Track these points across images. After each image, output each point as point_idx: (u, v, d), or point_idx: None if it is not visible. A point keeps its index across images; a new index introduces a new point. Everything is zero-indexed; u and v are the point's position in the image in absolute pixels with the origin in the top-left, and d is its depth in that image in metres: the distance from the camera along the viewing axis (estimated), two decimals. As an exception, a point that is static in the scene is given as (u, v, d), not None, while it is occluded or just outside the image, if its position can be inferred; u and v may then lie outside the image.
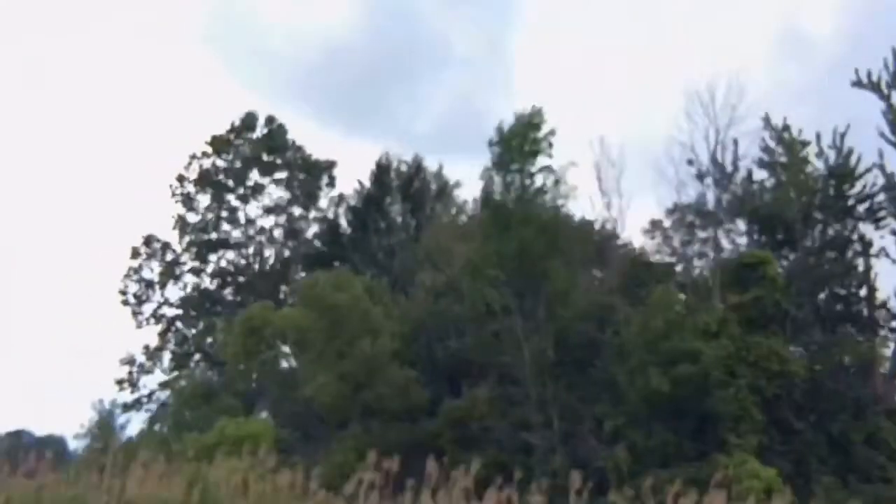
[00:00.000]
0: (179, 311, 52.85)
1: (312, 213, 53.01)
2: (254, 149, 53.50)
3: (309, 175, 53.40)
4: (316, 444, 30.35)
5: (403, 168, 49.85)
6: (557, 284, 28.52)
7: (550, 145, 29.16)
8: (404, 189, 49.21)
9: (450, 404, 31.91)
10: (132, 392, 51.25)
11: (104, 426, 34.63)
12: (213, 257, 53.26)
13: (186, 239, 53.60)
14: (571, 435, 26.77)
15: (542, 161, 29.32)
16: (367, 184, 49.97)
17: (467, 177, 68.26)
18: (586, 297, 29.35)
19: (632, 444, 24.65)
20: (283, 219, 53.10)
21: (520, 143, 29.02)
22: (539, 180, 29.47)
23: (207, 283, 53.25)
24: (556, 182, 29.19)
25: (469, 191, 50.98)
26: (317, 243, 51.68)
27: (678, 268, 32.98)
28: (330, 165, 54.15)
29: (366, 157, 69.90)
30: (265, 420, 25.46)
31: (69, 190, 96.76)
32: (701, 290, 28.61)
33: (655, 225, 34.16)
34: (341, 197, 52.77)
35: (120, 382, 51.33)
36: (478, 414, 31.01)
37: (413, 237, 46.67)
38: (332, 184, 54.17)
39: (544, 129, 29.20)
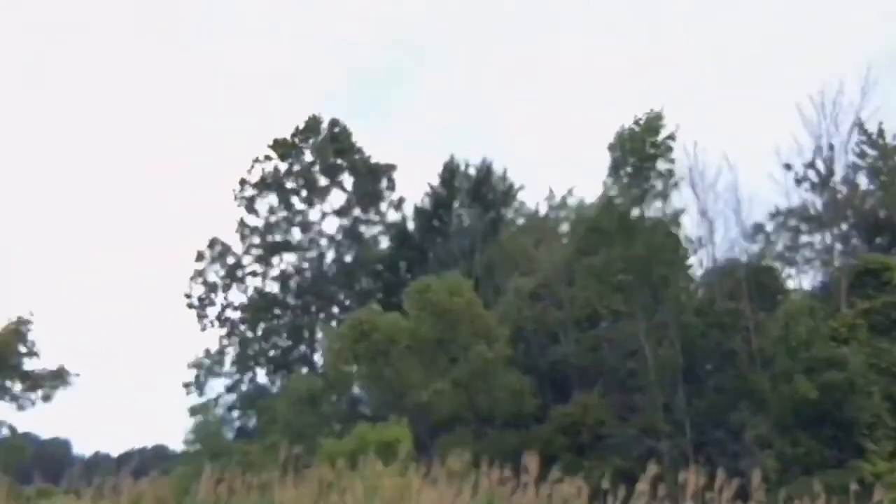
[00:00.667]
0: (242, 314, 52.35)
1: (375, 217, 52.58)
2: (317, 152, 53.01)
3: (371, 178, 52.86)
4: (428, 450, 29.88)
5: (471, 171, 49.64)
6: (679, 290, 28.13)
7: (670, 149, 28.78)
8: (474, 192, 48.83)
9: (559, 410, 31.48)
10: (199, 395, 50.95)
11: (211, 432, 33.99)
12: (275, 260, 52.80)
13: (248, 242, 53.24)
14: (704, 443, 26.38)
15: (661, 165, 28.93)
16: (431, 188, 49.90)
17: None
18: (709, 303, 28.94)
19: (779, 452, 24.26)
20: (346, 222, 52.56)
21: (639, 147, 28.63)
22: (658, 185, 29.06)
23: (269, 285, 52.81)
24: (675, 185, 28.79)
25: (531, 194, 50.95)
26: (383, 246, 51.30)
27: (791, 272, 32.65)
28: (389, 169, 53.66)
29: (421, 161, 69.48)
30: (403, 425, 24.94)
31: (139, 192, 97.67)
32: (832, 296, 28.23)
33: (758, 229, 33.73)
34: (401, 200, 52.44)
35: (187, 385, 50.95)
36: (591, 420, 30.63)
37: (484, 240, 46.35)
38: (391, 187, 53.70)
39: (663, 134, 28.85)
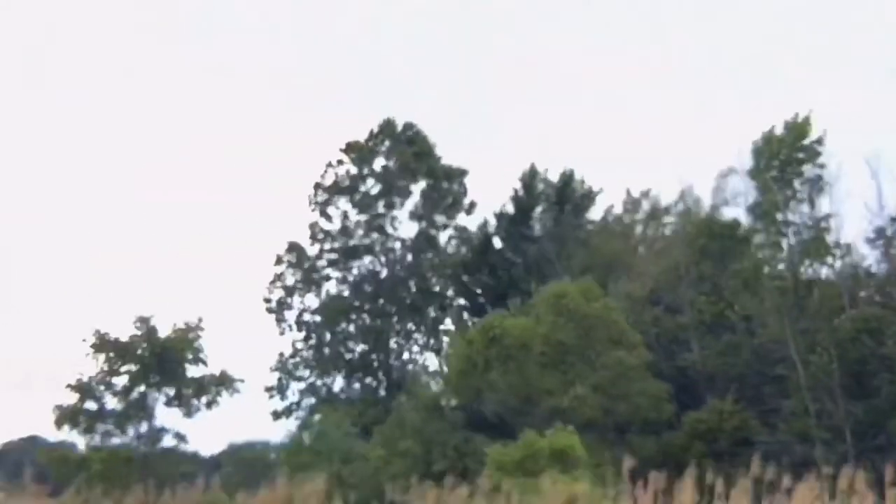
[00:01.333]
0: (318, 318, 51.81)
1: (450, 221, 51.95)
2: (391, 156, 52.52)
3: (445, 182, 52.22)
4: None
5: (552, 177, 49.27)
6: (827, 295, 27.76)
7: (818, 154, 28.41)
8: (557, 197, 48.41)
9: (693, 416, 31.03)
10: (282, 399, 50.45)
11: (336, 435, 33.33)
12: (351, 264, 52.22)
13: (323, 246, 52.74)
14: (865, 450, 25.94)
15: (807, 169, 28.56)
16: (514, 192, 49.46)
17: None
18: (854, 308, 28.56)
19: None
20: (421, 226, 52.00)
21: (787, 151, 28.27)
22: (803, 189, 28.69)
23: (345, 290, 52.23)
24: (821, 190, 28.40)
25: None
26: (463, 251, 50.74)
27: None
28: (462, 173, 53.06)
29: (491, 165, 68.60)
30: (572, 432, 24.42)
31: (218, 195, 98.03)
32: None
33: (879, 233, 33.31)
34: (472, 204, 51.88)
35: (269, 390, 50.42)
36: (728, 426, 30.19)
37: (565, 244, 46.04)
38: (464, 192, 53.05)
39: (811, 137, 28.48)
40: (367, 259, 52.23)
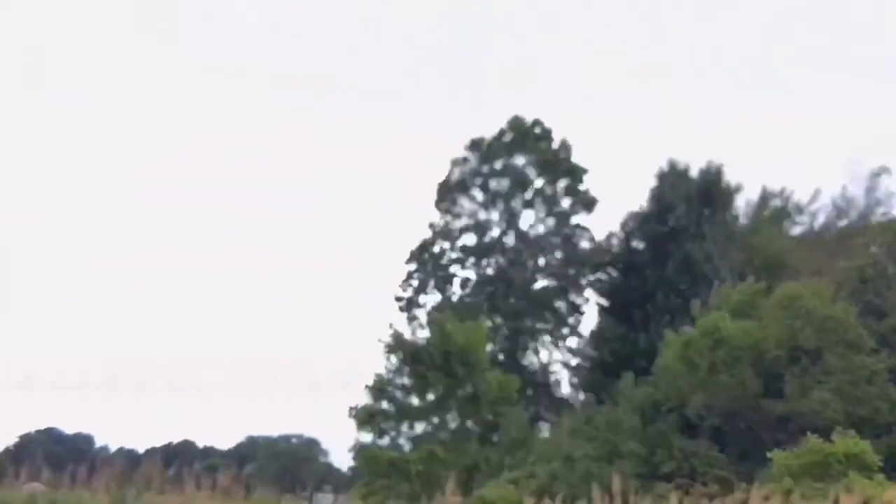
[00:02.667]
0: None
1: (579, 218, 51.08)
2: (519, 153, 51.70)
3: (575, 180, 51.32)
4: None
5: (693, 173, 48.35)
6: None
7: None
8: (702, 194, 47.52)
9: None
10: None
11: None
12: (480, 262, 51.45)
13: (452, 244, 52.02)
14: None
15: None
16: (654, 190, 48.57)
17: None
18: None
19: None
20: (551, 224, 51.20)
21: None
22: None
23: (474, 288, 51.46)
24: None
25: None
26: (595, 249, 49.93)
27: None
28: (587, 170, 52.10)
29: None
30: (856, 437, 23.71)
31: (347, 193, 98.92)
32: None
33: None
34: (592, 201, 50.99)
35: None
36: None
37: (721, 244, 45.22)
38: (590, 189, 52.09)
39: None
40: (496, 257, 51.65)
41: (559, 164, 50.58)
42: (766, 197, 51.16)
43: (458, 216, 52.02)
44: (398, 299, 50.62)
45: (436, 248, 51.82)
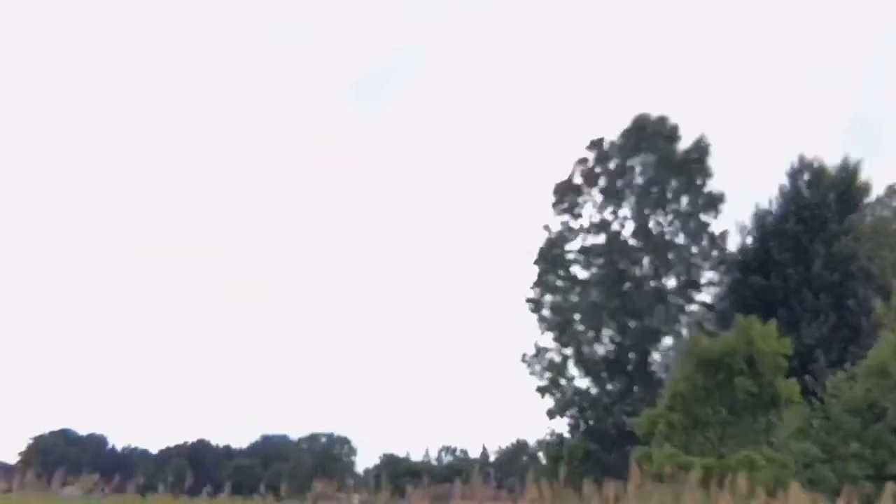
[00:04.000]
0: (577, 316, 50.24)
1: (708, 219, 50.27)
2: (644, 152, 50.89)
3: (693, 178, 50.39)
4: None
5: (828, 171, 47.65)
6: None
7: None
8: (841, 192, 46.86)
9: None
10: (553, 398, 48.90)
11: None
12: (604, 263, 50.61)
13: (572, 245, 51.21)
14: None
15: None
16: (787, 189, 47.89)
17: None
18: None
19: None
20: (677, 224, 50.35)
21: None
22: None
23: (598, 290, 50.59)
24: None
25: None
26: (731, 250, 49.16)
27: None
28: (712, 171, 51.25)
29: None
30: None
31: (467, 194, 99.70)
32: None
33: None
34: (716, 199, 50.25)
35: (542, 390, 48.93)
36: None
37: (867, 244, 44.59)
38: (717, 189, 50.99)
39: None
40: (621, 257, 50.78)
41: (685, 163, 49.75)
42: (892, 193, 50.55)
43: (578, 216, 51.26)
44: (528, 300, 49.83)
45: (558, 249, 51.05)
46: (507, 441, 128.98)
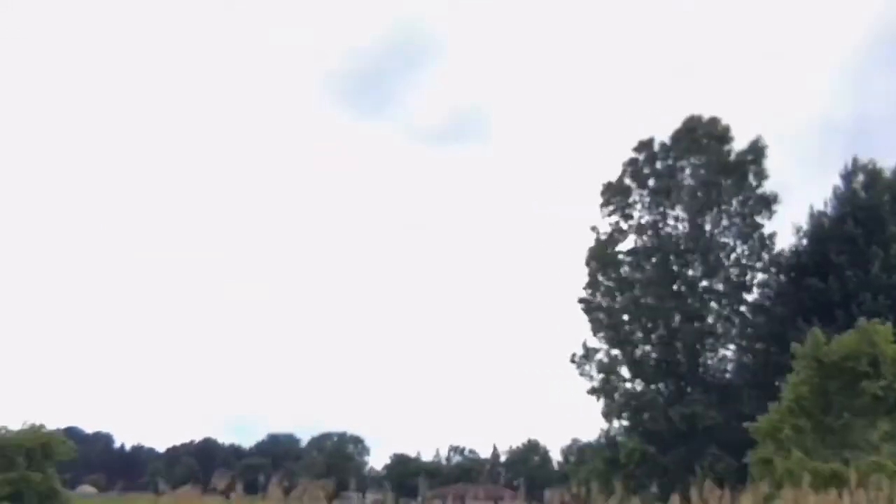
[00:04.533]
0: (626, 318, 49.98)
1: (763, 221, 49.85)
2: (695, 154, 50.61)
3: (756, 179, 50.01)
4: None
5: (884, 173, 47.45)
6: None
7: None
8: (893, 195, 46.65)
9: None
10: (607, 400, 48.69)
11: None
12: (655, 263, 50.25)
13: (622, 247, 50.93)
14: None
15: None
16: (843, 190, 47.74)
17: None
18: None
19: None
20: (732, 224, 50.00)
21: None
22: None
23: (647, 293, 50.21)
24: None
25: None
26: (781, 251, 48.91)
27: None
28: (764, 171, 50.93)
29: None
30: None
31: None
32: None
33: None
34: (768, 200, 49.89)
35: (594, 392, 48.73)
36: None
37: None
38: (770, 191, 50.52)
39: None
40: (673, 258, 50.48)
41: (738, 164, 49.47)
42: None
43: (629, 217, 50.99)
44: (581, 301, 49.55)
45: (608, 250, 50.79)
46: (518, 441, 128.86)
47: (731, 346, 49.09)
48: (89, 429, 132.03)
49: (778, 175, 48.89)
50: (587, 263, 49.68)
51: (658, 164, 50.74)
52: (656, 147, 50.83)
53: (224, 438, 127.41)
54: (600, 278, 49.65)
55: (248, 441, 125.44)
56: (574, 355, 50.31)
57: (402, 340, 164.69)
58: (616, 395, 47.84)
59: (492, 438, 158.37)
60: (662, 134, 51.27)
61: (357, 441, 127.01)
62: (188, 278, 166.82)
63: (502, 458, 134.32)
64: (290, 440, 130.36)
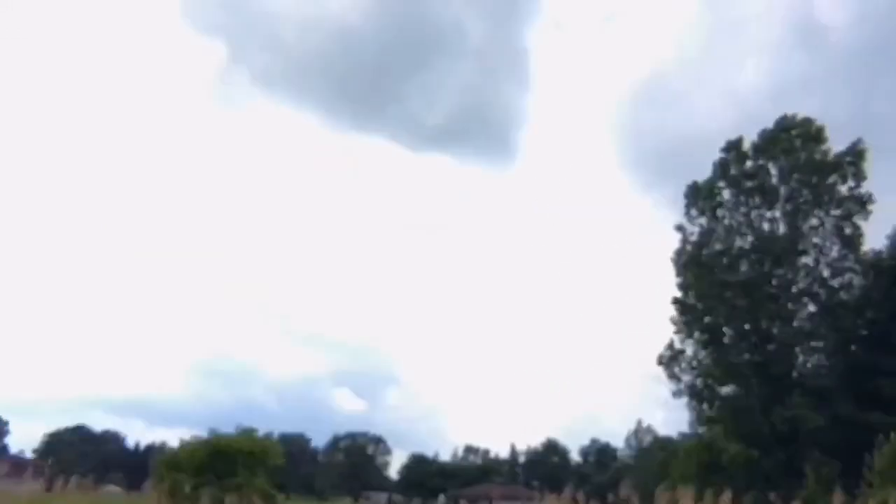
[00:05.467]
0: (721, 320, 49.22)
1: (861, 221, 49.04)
2: (786, 154, 49.97)
3: (854, 180, 49.30)
4: None
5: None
6: None
7: None
8: None
9: None
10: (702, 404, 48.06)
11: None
12: (750, 265, 49.57)
13: (711, 249, 50.27)
14: None
15: None
16: None
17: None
18: None
19: None
20: (826, 225, 49.33)
21: None
22: None
23: (739, 295, 49.46)
24: None
25: None
26: (880, 254, 48.38)
27: None
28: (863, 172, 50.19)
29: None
30: None
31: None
32: None
33: None
34: (858, 200, 49.13)
35: (680, 393, 48.16)
36: None
37: None
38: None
39: None
40: (764, 260, 49.81)
41: (836, 165, 48.89)
42: None
43: (720, 218, 50.34)
44: (675, 301, 48.83)
45: (697, 251, 50.14)
46: (536, 441, 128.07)
47: (824, 349, 48.41)
48: (98, 427, 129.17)
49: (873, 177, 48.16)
50: (676, 264, 48.97)
51: (748, 165, 50.03)
52: (745, 147, 50.14)
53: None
54: (689, 280, 48.87)
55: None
56: (661, 357, 49.65)
57: (419, 341, 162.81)
58: (705, 397, 47.17)
59: (509, 438, 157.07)
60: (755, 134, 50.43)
61: (378, 441, 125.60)
62: (196, 278, 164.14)
63: (521, 459, 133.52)
64: (302, 440, 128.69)
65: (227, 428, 28.67)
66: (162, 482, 21.72)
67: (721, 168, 50.17)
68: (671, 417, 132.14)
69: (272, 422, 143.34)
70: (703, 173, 50.44)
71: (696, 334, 48.50)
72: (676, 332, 49.34)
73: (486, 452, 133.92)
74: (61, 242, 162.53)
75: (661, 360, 49.68)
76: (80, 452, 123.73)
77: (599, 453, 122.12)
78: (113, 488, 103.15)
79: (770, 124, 49.61)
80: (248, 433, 26.49)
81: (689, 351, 49.27)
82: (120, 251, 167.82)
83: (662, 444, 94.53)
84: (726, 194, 50.06)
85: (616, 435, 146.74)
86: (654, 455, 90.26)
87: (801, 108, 62.30)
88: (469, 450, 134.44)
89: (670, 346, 49.58)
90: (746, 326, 48.36)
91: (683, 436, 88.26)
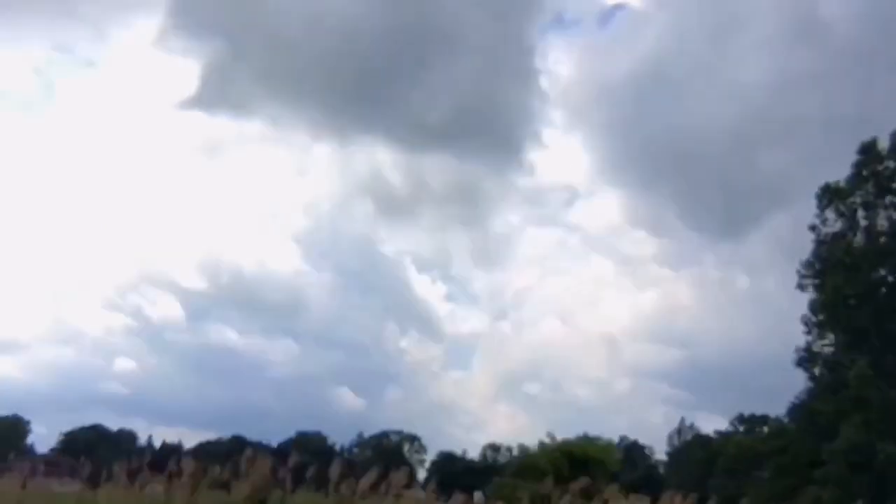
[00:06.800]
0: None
1: None
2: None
3: None
4: None
5: None
6: None
7: None
8: None
9: None
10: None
11: None
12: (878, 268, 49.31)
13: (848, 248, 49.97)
14: None
15: None
16: None
17: None
18: None
19: None
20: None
21: None
22: None
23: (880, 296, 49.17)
24: None
25: None
26: None
27: None
28: None
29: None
30: None
31: None
32: None
33: None
34: None
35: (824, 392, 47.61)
36: None
37: None
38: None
39: None
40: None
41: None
42: None
43: (853, 220, 50.10)
44: (814, 303, 48.52)
45: (831, 251, 49.81)
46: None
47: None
48: (113, 426, 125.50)
49: None
50: (814, 265, 48.59)
51: (882, 166, 49.78)
52: (881, 147, 49.91)
53: (252, 435, 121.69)
54: (827, 280, 48.48)
55: (275, 438, 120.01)
56: (800, 359, 49.25)
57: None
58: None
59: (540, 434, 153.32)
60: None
61: (413, 439, 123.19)
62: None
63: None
64: (319, 437, 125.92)
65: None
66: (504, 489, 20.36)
67: (856, 169, 49.71)
68: (672, 417, 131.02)
69: (272, 422, 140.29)
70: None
71: (840, 336, 47.90)
72: (816, 333, 48.86)
73: (510, 451, 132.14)
74: (59, 241, 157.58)
75: (799, 362, 49.23)
76: (97, 451, 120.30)
77: (627, 451, 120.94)
78: (154, 487, 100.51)
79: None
80: (591, 441, 25.26)
81: (826, 351, 48.79)
82: (119, 251, 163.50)
83: (702, 441, 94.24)
84: (862, 196, 49.56)
85: (642, 432, 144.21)
86: (693, 453, 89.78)
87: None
88: (490, 447, 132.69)
89: (807, 347, 49.07)
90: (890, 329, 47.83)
91: (719, 434, 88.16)
